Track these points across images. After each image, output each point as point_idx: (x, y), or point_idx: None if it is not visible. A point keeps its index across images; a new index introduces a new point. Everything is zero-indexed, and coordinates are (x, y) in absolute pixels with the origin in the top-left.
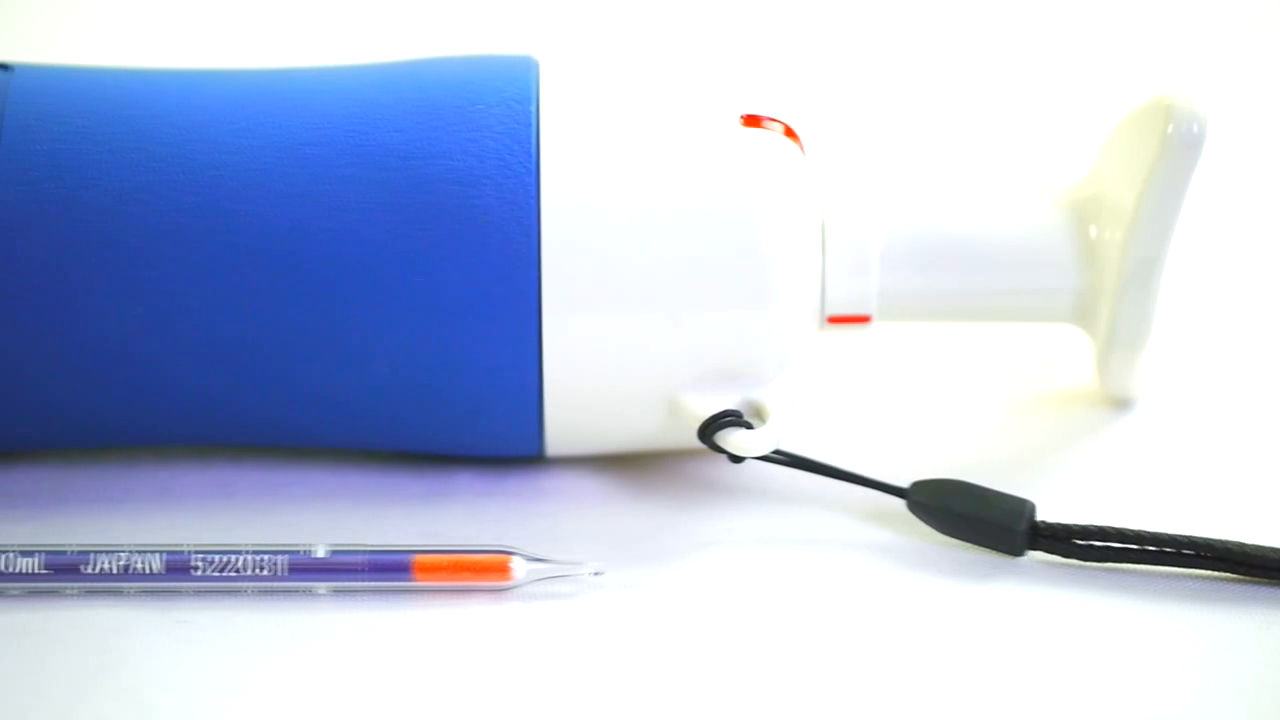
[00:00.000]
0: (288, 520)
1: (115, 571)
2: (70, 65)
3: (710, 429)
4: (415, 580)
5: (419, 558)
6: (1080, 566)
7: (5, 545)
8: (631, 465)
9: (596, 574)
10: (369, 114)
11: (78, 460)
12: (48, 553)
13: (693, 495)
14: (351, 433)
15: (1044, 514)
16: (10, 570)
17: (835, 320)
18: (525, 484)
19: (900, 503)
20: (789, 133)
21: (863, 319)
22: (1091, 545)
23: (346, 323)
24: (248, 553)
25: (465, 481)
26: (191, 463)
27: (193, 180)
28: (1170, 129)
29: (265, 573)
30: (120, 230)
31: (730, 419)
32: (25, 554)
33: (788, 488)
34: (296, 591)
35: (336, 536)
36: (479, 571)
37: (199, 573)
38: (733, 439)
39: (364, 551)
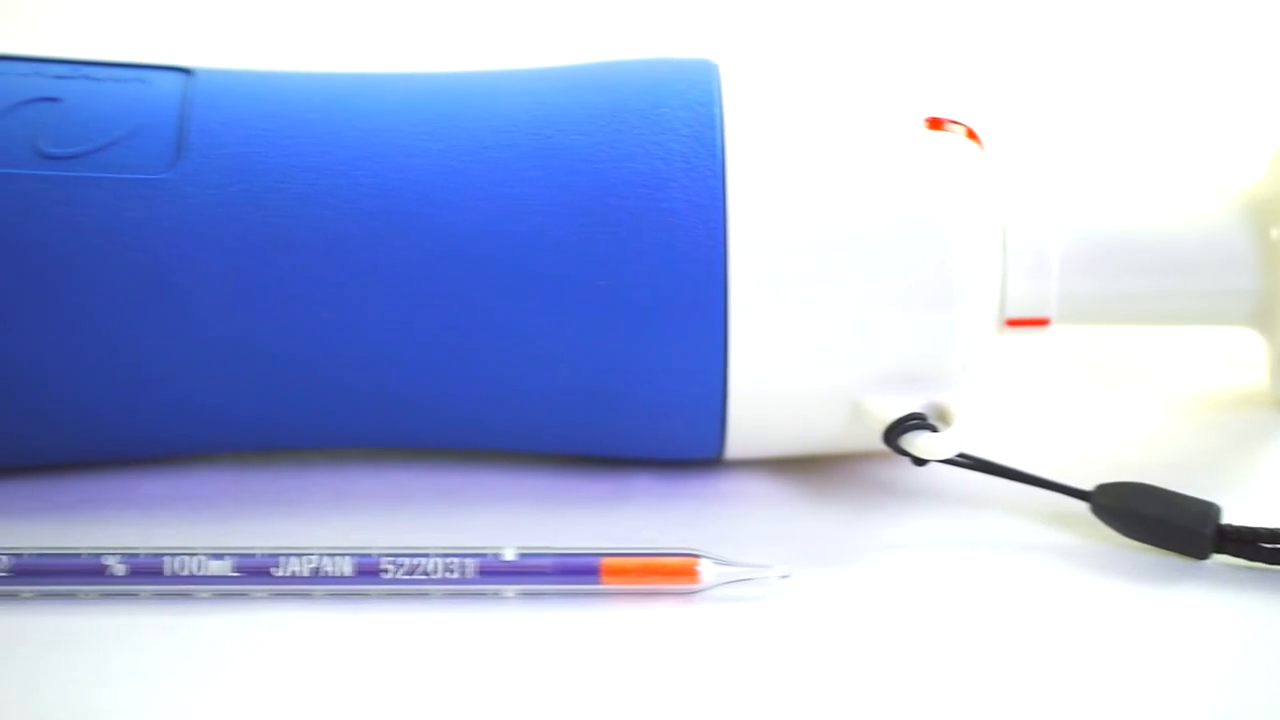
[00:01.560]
0: (465, 523)
1: (305, 574)
2: (246, 69)
3: (896, 432)
4: (603, 583)
5: (607, 560)
6: (1266, 570)
7: (194, 548)
8: (807, 467)
9: (784, 577)
10: (553, 117)
11: (252, 463)
12: (238, 556)
13: (871, 498)
14: (529, 436)
15: (1228, 517)
16: (200, 573)
17: (1014, 323)
18: (703, 487)
19: (1082, 506)
20: (971, 135)
21: (1041, 322)
22: (1279, 549)
23: (530, 326)
24: (436, 556)
25: (643, 484)
26: (365, 466)
27: (378, 183)
28: None
29: (454, 576)
30: (307, 233)
31: (915, 422)
32: (214, 557)
33: (966, 490)
34: (484, 595)
35: (514, 539)
36: (667, 574)
37: (389, 576)
38: (918, 442)
39: (552, 554)
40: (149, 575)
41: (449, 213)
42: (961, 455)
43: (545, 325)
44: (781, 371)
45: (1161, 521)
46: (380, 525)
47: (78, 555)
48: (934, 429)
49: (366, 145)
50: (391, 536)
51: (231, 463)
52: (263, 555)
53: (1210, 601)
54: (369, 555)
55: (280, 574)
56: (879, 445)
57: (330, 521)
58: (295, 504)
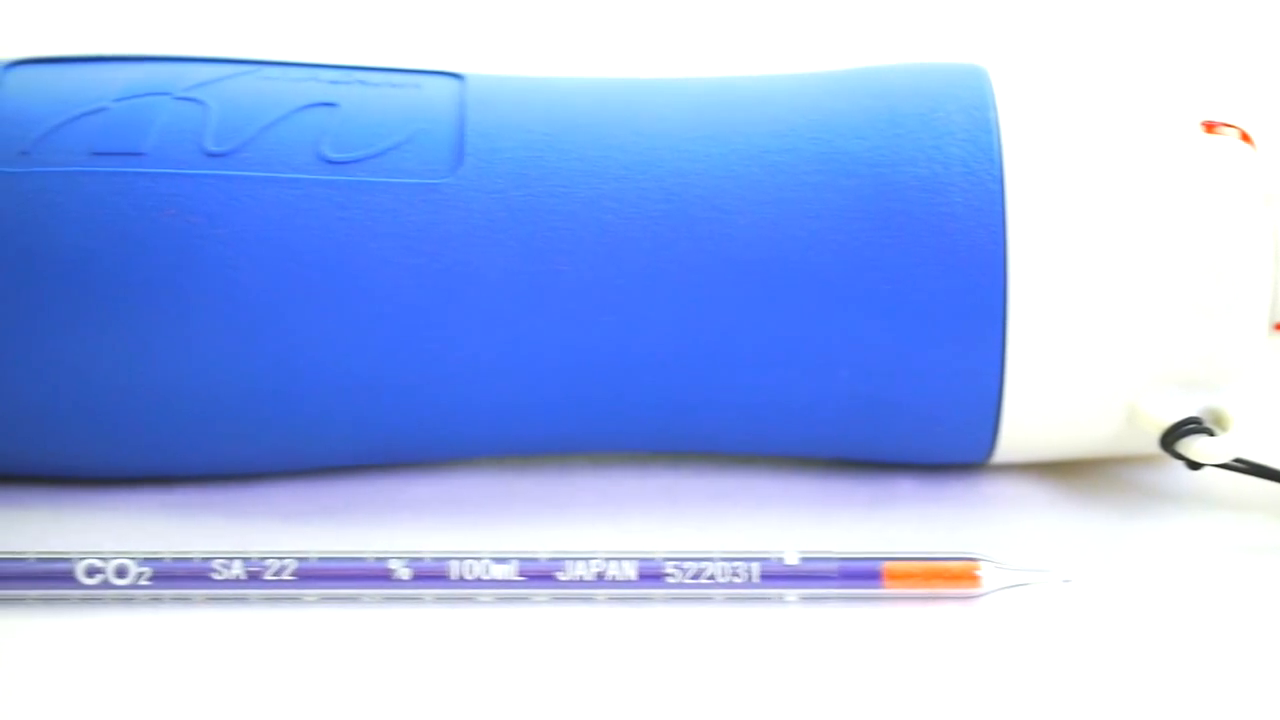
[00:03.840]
0: (735, 527)
1: (590, 578)
2: (516, 75)
3: (1173, 435)
4: (885, 587)
5: (889, 564)
6: None
7: (478, 552)
8: (1070, 470)
9: (1065, 582)
10: (832, 122)
11: (516, 467)
12: (522, 559)
13: (1138, 501)
14: (801, 440)
15: None
16: (486, 577)
17: None
18: (969, 490)
19: None
20: (1244, 137)
21: None
22: None
23: (811, 329)
24: (720, 560)
25: (908, 488)
26: (630, 469)
27: (660, 187)
28: None
29: (738, 580)
30: (590, 237)
31: (1192, 426)
32: (499, 560)
33: (1234, 494)
34: (765, 599)
35: (782, 543)
36: (949, 579)
37: (673, 580)
38: (1196, 446)
39: (835, 558)
40: (434, 579)
41: (732, 217)
42: (1237, 460)
43: (826, 329)
44: (1058, 375)
45: None
46: (648, 529)
47: (362, 559)
48: (1210, 433)
49: (647, 150)
50: (661, 541)
51: (496, 466)
52: (547, 559)
53: None
54: (653, 559)
55: (564, 578)
56: (1147, 448)
57: (598, 525)
58: (563, 508)
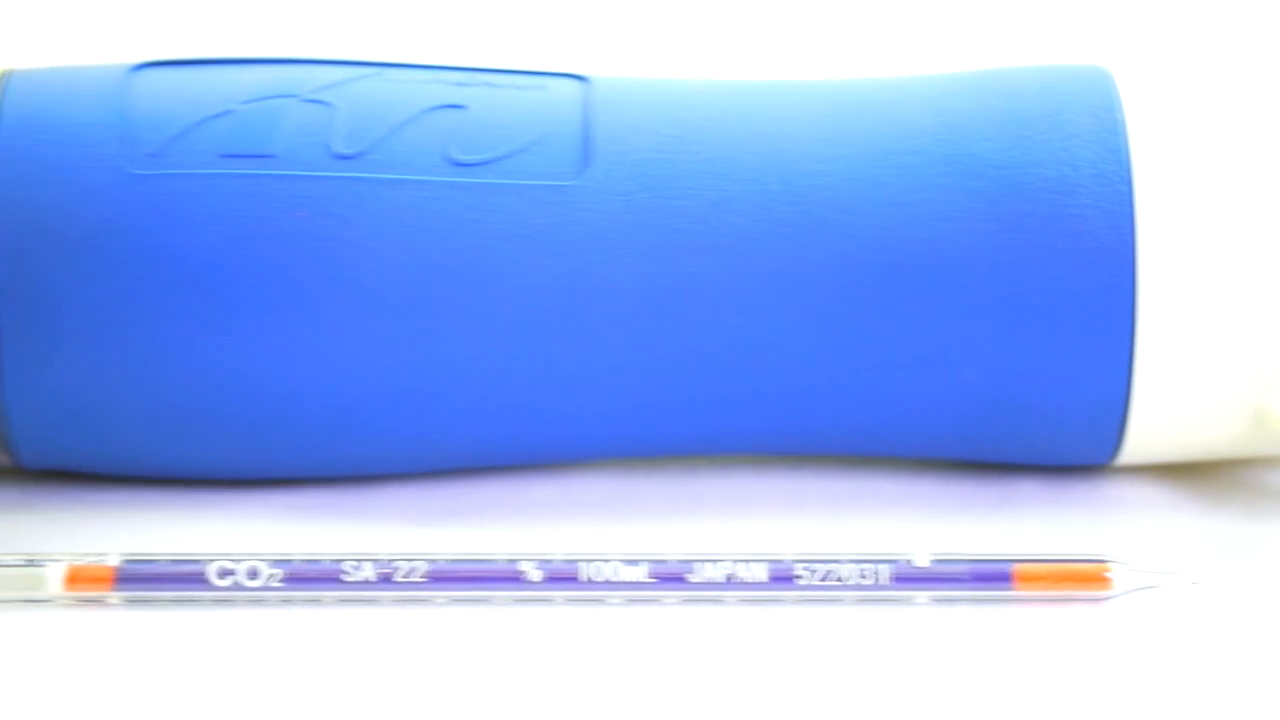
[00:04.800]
0: (858, 529)
1: (720, 580)
2: (640, 77)
3: None
4: (1015, 589)
5: (1019, 566)
6: None
7: (608, 554)
8: (1192, 472)
9: (1194, 584)
10: (957, 123)
11: (639, 469)
12: (653, 561)
13: (1266, 503)
14: (924, 442)
15: None
16: (616, 579)
17: None
18: (1093, 492)
19: None
20: None
21: None
22: None
23: (939, 331)
24: (849, 561)
25: (1032, 490)
26: (753, 471)
27: (788, 189)
28: None
29: (868, 582)
30: (719, 239)
31: None
32: (629, 563)
33: None
34: (894, 600)
35: (908, 545)
36: (1079, 580)
37: (803, 582)
38: None
39: (966, 560)
40: (564, 581)
41: (860, 219)
42: None
43: (953, 330)
44: (1186, 377)
45: None
46: (768, 531)
47: (493, 561)
48: None
49: (774, 152)
50: (781, 543)
51: (618, 467)
52: (677, 561)
53: None
54: (782, 561)
55: (695, 580)
56: (1274, 449)
57: (723, 527)
58: (688, 510)
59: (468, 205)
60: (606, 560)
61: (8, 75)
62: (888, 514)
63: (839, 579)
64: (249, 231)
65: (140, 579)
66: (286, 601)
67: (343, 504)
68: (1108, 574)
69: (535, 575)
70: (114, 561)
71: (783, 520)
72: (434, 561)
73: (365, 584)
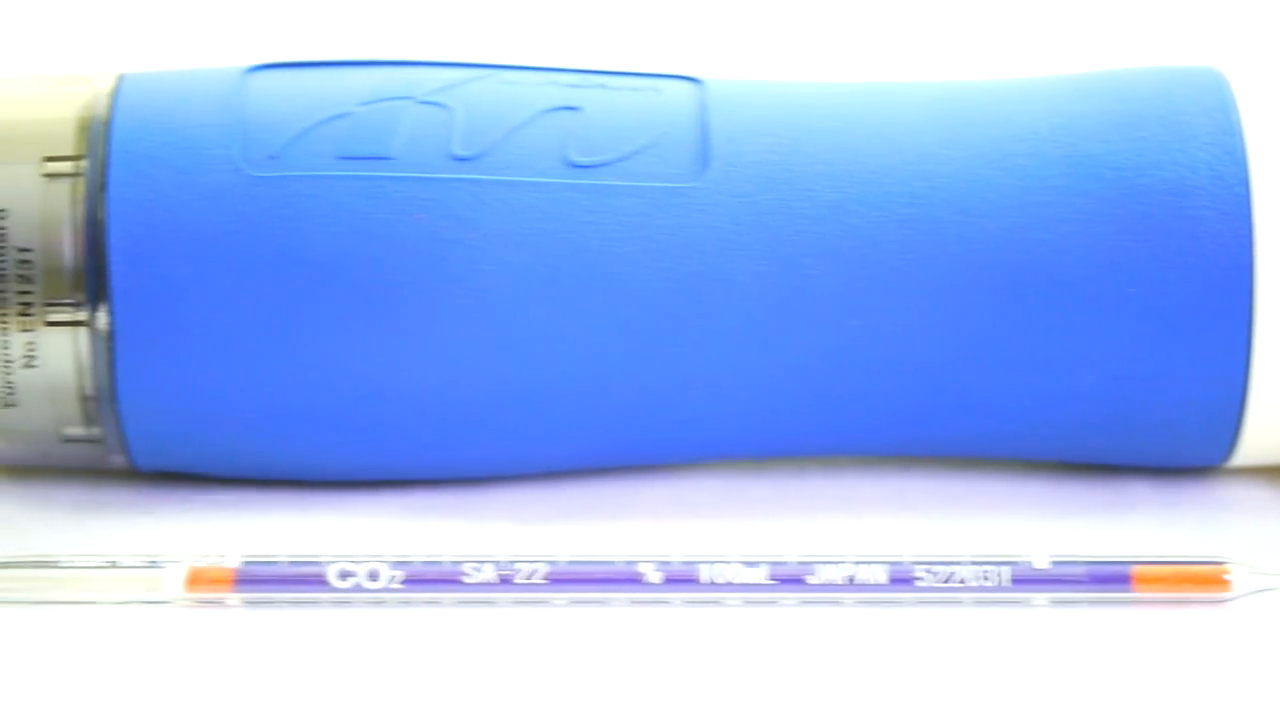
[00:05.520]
0: (970, 530)
1: (839, 582)
2: (754, 79)
3: None
4: (1134, 591)
5: (1138, 568)
6: None
7: (728, 556)
8: None
9: None
10: (1074, 125)
11: (747, 470)
12: (772, 563)
13: None
14: (1037, 443)
15: None
16: (736, 581)
17: None
18: (1204, 493)
19: None
20: None
21: None
22: None
23: (1056, 333)
24: (969, 563)
25: (1143, 492)
26: (863, 472)
27: (906, 190)
28: None
29: (989, 584)
30: (838, 241)
31: None
32: (749, 564)
33: None
34: (1013, 602)
35: (1020, 547)
36: (1198, 582)
37: (923, 584)
38: None
39: (1084, 562)
40: (684, 583)
41: (978, 220)
42: None
43: (1071, 332)
44: None
45: None
46: (879, 533)
47: (612, 563)
48: None
49: (892, 154)
50: (894, 544)
51: (729, 469)
52: (796, 563)
53: None
54: (901, 563)
55: (814, 582)
56: None
57: (835, 528)
58: (801, 511)
59: (586, 207)
60: (727, 562)
61: (120, 79)
62: (999, 515)
63: (960, 581)
64: (368, 233)
65: (260, 580)
66: (405, 603)
67: (455, 505)
68: (1227, 576)
69: (655, 577)
70: (234, 563)
71: (894, 521)
72: (554, 563)
73: (485, 586)
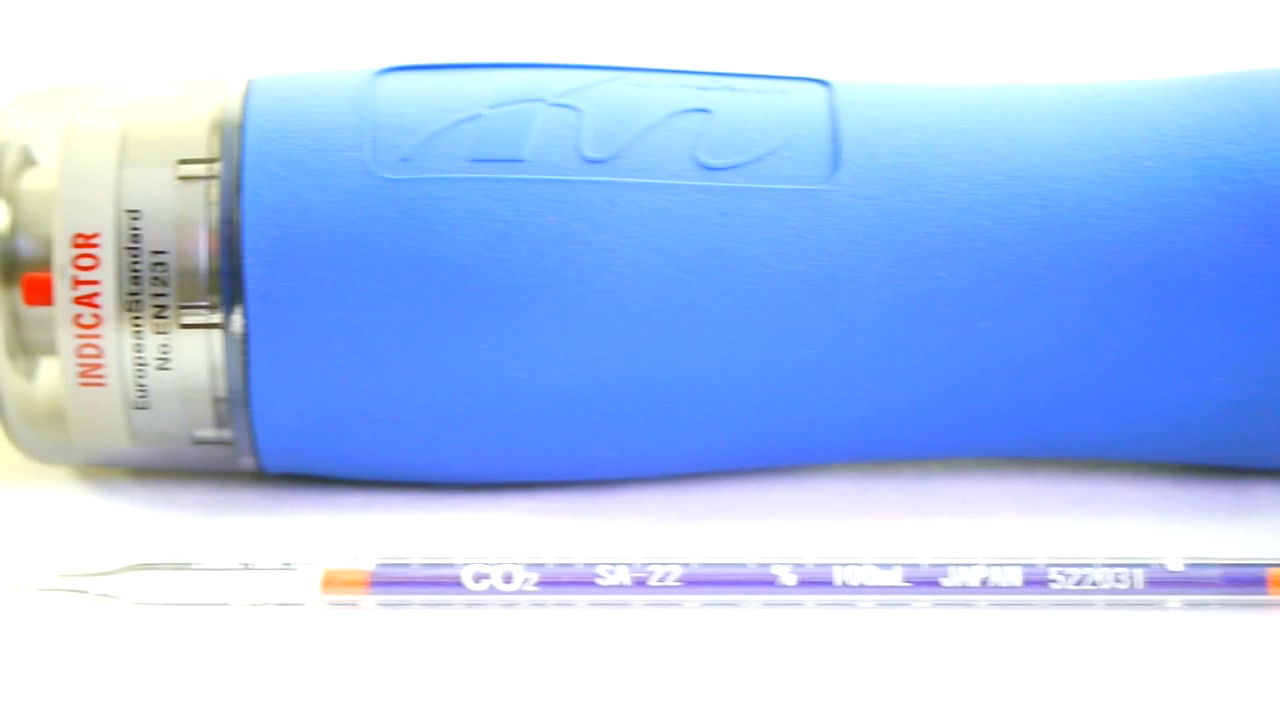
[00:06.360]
0: (1095, 531)
1: (974, 585)
2: (881, 82)
3: None
4: (1269, 594)
5: (1274, 571)
6: None
7: (862, 559)
8: None
9: None
10: (1203, 126)
11: (871, 472)
12: (906, 565)
13: None
14: (1163, 445)
15: None
16: (870, 583)
17: None
18: None
19: None
20: None
21: None
22: None
23: (1186, 335)
24: (1103, 566)
25: (1268, 494)
26: (987, 474)
27: (1035, 192)
28: None
29: (1122, 586)
30: (968, 244)
31: None
32: (883, 567)
33: None
34: (1146, 605)
35: (1149, 549)
36: None
37: (1057, 586)
38: None
39: (1219, 564)
40: (818, 585)
41: (1108, 223)
42: None
43: (1201, 334)
44: None
45: None
46: (1011, 534)
47: (745, 565)
48: None
49: (1020, 156)
50: (1020, 546)
51: (852, 471)
52: (930, 565)
53: None
54: (1035, 565)
55: (948, 584)
56: None
57: (961, 530)
58: (925, 513)
59: (718, 209)
60: (860, 564)
61: (250, 82)
62: (1124, 517)
63: (1093, 583)
64: (501, 235)
65: (395, 583)
66: (538, 605)
67: (582, 507)
68: None
69: (789, 579)
70: (369, 565)
71: (1021, 523)
72: (688, 566)
73: (619, 588)
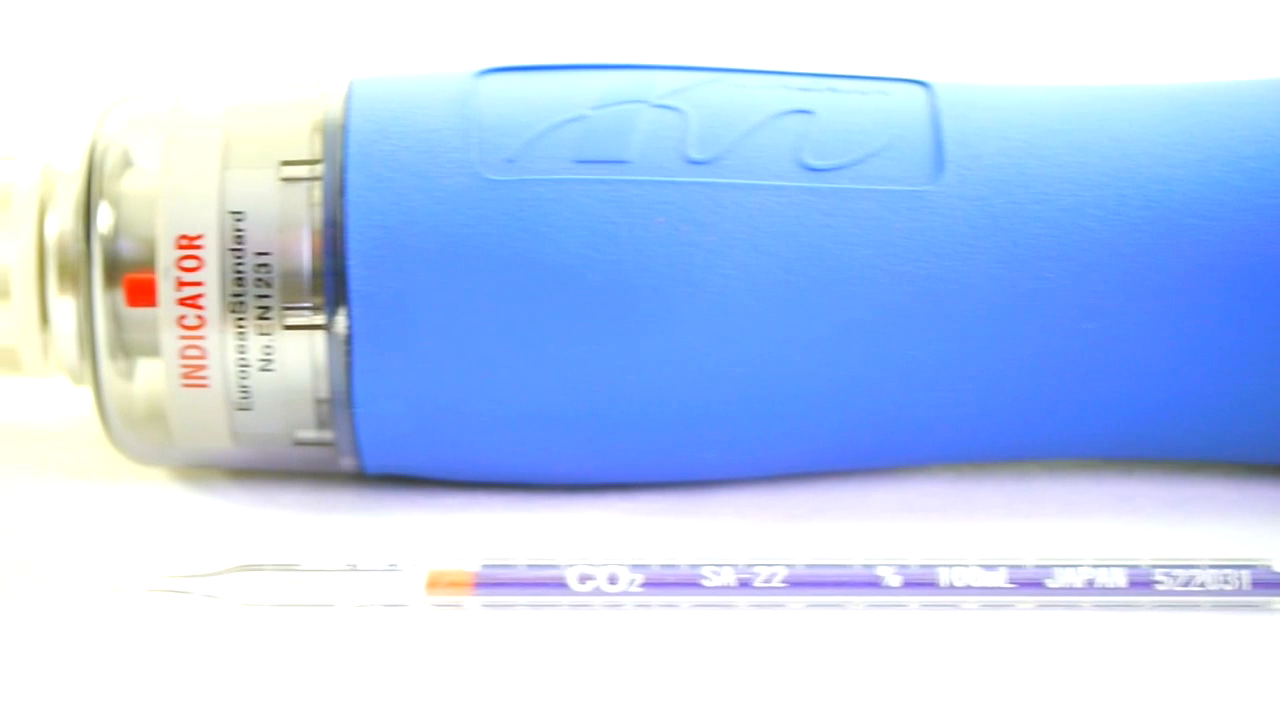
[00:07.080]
0: (1194, 532)
1: (1079, 586)
2: (981, 83)
3: None
4: None
5: None
6: None
7: (966, 560)
8: None
9: None
10: None
11: (969, 474)
12: (1011, 567)
13: None
14: (1264, 447)
15: None
16: (975, 584)
17: None
18: None
19: None
20: None
21: None
22: None
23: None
24: (1208, 567)
25: None
26: (1085, 476)
27: (1141, 194)
28: None
29: (1229, 587)
30: (1073, 245)
31: None
32: (987, 568)
33: None
34: (1251, 607)
35: (1247, 551)
36: None
37: (1162, 588)
38: None
39: None
40: (923, 586)
41: (1214, 224)
42: None
43: None
44: None
45: None
46: (1112, 535)
47: (850, 566)
48: None
49: (1125, 157)
50: (1121, 548)
51: (950, 472)
52: (1035, 566)
53: None
54: (1141, 566)
55: (1053, 585)
56: None
57: (1061, 531)
58: (1026, 515)
59: (823, 210)
60: (965, 565)
61: (352, 83)
62: (1222, 519)
63: (1199, 585)
64: (607, 236)
65: (500, 584)
66: (642, 606)
67: (682, 508)
68: None
69: (894, 580)
70: (474, 566)
71: (1121, 524)
72: (793, 567)
73: (724, 589)
